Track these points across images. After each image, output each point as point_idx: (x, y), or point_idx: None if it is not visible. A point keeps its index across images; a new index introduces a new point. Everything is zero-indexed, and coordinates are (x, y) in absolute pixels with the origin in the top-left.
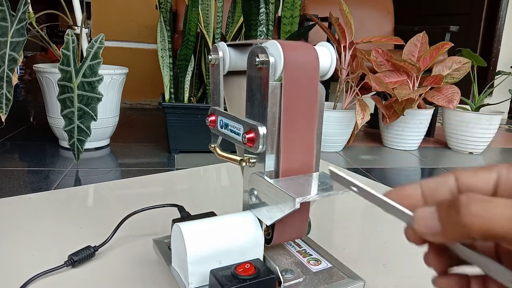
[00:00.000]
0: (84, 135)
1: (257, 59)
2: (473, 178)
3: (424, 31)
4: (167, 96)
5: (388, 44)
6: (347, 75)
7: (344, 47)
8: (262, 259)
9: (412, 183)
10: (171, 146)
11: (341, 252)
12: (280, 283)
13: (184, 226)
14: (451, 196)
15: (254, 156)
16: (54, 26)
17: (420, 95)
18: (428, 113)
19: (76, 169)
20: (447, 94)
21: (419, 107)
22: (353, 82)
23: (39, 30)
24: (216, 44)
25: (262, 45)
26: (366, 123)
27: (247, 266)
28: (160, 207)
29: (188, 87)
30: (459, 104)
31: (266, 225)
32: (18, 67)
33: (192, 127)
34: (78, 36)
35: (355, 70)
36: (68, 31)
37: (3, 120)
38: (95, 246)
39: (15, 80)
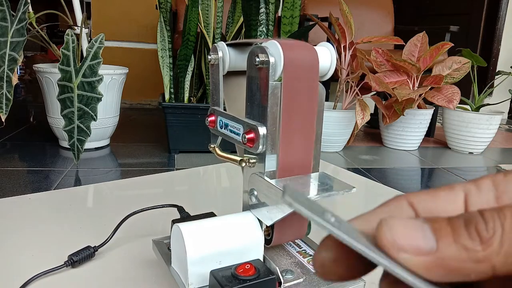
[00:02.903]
0: (84, 135)
1: (257, 59)
2: (433, 201)
3: (424, 31)
4: (167, 96)
5: (388, 44)
6: (347, 75)
7: (344, 47)
8: (262, 260)
9: (358, 218)
10: (171, 146)
11: None
12: (280, 283)
13: (184, 226)
14: None
15: (254, 156)
16: (54, 26)
17: (420, 95)
18: (428, 113)
19: (76, 169)
20: (447, 94)
21: (419, 107)
22: (353, 82)
23: (39, 30)
24: (215, 44)
25: (262, 45)
26: (366, 123)
27: (247, 266)
28: (160, 207)
29: (188, 87)
30: (459, 104)
31: (266, 226)
32: (18, 67)
33: (192, 127)
34: (78, 36)
35: (355, 70)
36: (68, 31)
37: (3, 120)
38: (95, 246)
39: (15, 80)
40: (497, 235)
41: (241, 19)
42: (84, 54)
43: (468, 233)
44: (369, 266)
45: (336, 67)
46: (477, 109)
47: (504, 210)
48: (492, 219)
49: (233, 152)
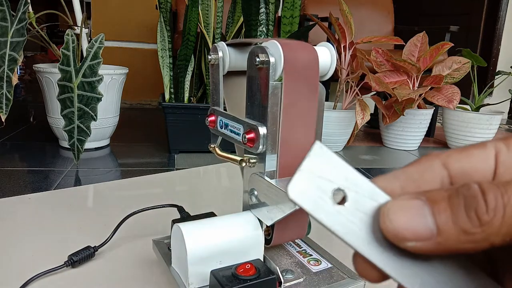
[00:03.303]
0: (84, 135)
1: (257, 59)
2: (467, 160)
3: (424, 31)
4: (167, 96)
5: (388, 44)
6: (347, 75)
7: (344, 47)
8: (262, 260)
9: (387, 175)
10: (171, 146)
11: (341, 252)
12: (280, 283)
13: (184, 226)
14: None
15: (254, 156)
16: (54, 26)
17: (420, 95)
18: (428, 113)
19: (76, 169)
20: (447, 94)
21: (419, 107)
22: (353, 82)
23: (39, 30)
24: (215, 44)
25: (262, 45)
26: (366, 123)
27: (248, 266)
28: (160, 207)
29: (188, 87)
30: (459, 104)
31: (266, 225)
32: (18, 67)
33: (192, 127)
34: (78, 36)
35: (355, 70)
36: (68, 31)
37: (3, 120)
38: (95, 246)
39: (15, 80)
40: (498, 217)
41: (241, 19)
42: (84, 54)
43: (467, 215)
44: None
45: (336, 67)
46: (477, 109)
47: (509, 190)
48: (494, 200)
49: (233, 152)
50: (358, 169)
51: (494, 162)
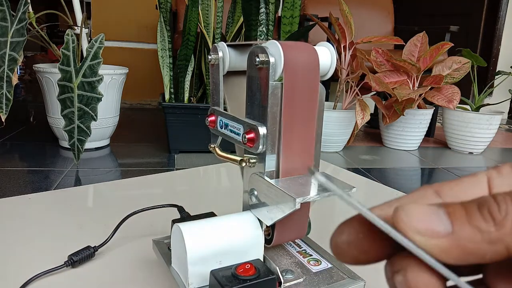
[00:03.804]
0: (84, 135)
1: (257, 59)
2: (459, 187)
3: (424, 31)
4: (167, 96)
5: (388, 44)
6: (347, 75)
7: (344, 47)
8: (262, 260)
9: (380, 205)
10: (171, 146)
11: None
12: (280, 283)
13: (184, 226)
14: None
15: (254, 156)
16: (54, 26)
17: (420, 95)
18: (428, 113)
19: (76, 169)
20: (447, 94)
21: (419, 107)
22: (353, 82)
23: (39, 30)
24: (215, 44)
25: (262, 45)
26: (366, 123)
27: (248, 266)
28: (160, 207)
29: (188, 87)
30: (459, 104)
31: (266, 225)
32: (18, 67)
33: (192, 127)
34: (78, 36)
35: (355, 70)
36: (68, 31)
37: (3, 120)
38: (95, 246)
39: (15, 80)
40: (510, 216)
41: (241, 19)
42: (84, 54)
43: (481, 215)
44: (382, 253)
45: (336, 67)
46: (477, 109)
47: None
48: (504, 202)
49: (233, 152)
50: (358, 169)
51: (487, 186)
